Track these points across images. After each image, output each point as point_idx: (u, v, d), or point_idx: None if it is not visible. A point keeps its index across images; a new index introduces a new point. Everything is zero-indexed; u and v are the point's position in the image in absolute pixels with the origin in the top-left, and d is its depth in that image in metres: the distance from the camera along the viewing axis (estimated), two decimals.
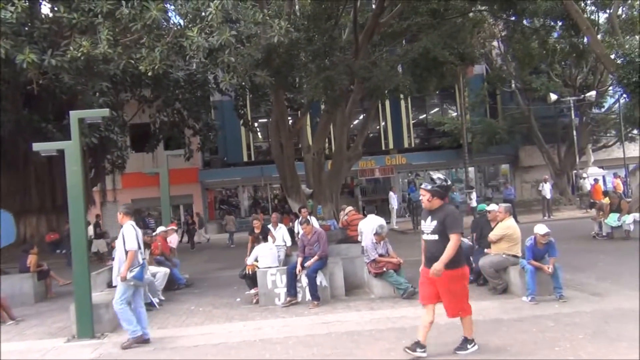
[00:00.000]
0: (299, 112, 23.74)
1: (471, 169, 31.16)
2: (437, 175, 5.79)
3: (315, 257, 9.42)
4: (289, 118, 23.67)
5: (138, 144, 27.77)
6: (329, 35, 16.38)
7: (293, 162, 20.68)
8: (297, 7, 20.44)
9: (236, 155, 32.05)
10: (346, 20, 20.67)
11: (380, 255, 9.55)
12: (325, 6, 17.29)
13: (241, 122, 26.55)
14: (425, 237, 5.90)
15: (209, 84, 23.48)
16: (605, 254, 12.98)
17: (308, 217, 11.58)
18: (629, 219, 15.13)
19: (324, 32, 16.24)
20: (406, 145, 32.08)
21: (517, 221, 21.70)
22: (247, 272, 10.15)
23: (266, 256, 10.02)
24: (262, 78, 12.11)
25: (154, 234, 12.04)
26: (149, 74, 11.28)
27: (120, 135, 20.85)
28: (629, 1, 24.13)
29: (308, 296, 9.35)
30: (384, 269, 9.40)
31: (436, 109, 34.19)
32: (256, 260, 10.13)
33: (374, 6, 20.68)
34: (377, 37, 20.14)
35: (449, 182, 5.85)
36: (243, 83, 15.88)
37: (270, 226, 11.78)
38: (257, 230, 11.32)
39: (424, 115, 33.98)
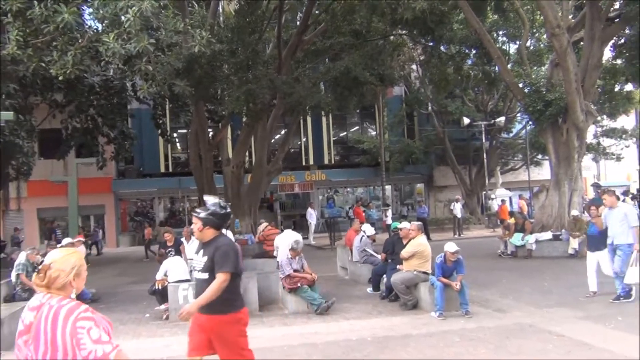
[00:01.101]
0: (220, 124, 23.46)
1: (388, 187, 31.92)
2: (213, 200, 4.68)
3: None
4: (209, 130, 23.35)
5: (47, 150, 26.35)
6: (252, 49, 16.36)
7: (212, 174, 20.36)
8: (221, 18, 20.33)
9: (153, 165, 31.10)
10: (270, 35, 20.77)
11: (295, 271, 9.55)
12: (250, 20, 17.28)
13: (159, 131, 25.85)
14: (196, 274, 4.73)
15: (127, 91, 22.72)
16: (509, 271, 13.66)
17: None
18: (531, 238, 16.02)
19: (247, 45, 16.19)
20: (326, 161, 32.44)
21: (429, 239, 22.36)
22: (156, 287, 9.83)
23: (176, 270, 9.74)
24: (181, 88, 11.87)
25: (59, 245, 11.43)
26: (60, 78, 10.76)
27: (28, 140, 19.69)
28: (537, 34, 25.81)
29: None
30: (299, 285, 9.40)
31: (356, 127, 34.87)
32: (166, 274, 9.82)
33: (298, 23, 20.94)
34: (301, 54, 20.37)
35: (227, 210, 4.72)
36: (162, 92, 15.44)
37: (183, 239, 11.51)
38: (169, 243, 11.02)
39: (345, 133, 34.54)
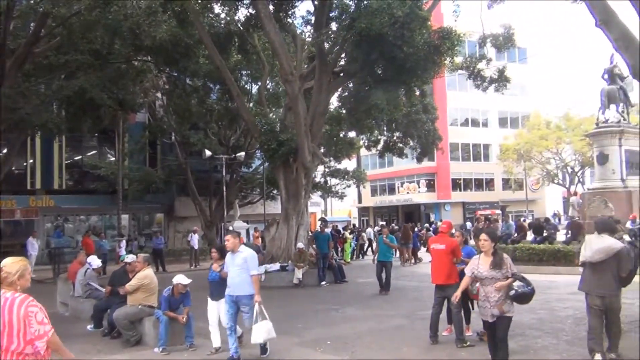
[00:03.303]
0: None
1: (126, 216, 30.53)
2: None
3: None
4: None
5: None
6: None
7: None
8: None
9: None
10: None
11: None
12: None
13: None
14: None
15: None
16: None
17: None
18: (261, 269, 16.79)
19: None
20: (56, 186, 29.62)
21: (164, 270, 21.99)
22: None
23: None
24: None
25: None
26: None
27: None
28: (277, 78, 27.70)
29: None
30: None
31: (94, 152, 32.70)
32: None
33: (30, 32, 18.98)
34: (31, 67, 18.46)
35: None
36: None
37: None
38: None
39: (80, 157, 32.11)
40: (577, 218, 21.83)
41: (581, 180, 47.76)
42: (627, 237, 12.24)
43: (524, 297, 6.04)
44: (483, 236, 6.26)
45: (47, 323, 3.84)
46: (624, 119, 23.30)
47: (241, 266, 7.65)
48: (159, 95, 29.44)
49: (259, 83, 25.23)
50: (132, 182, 29.20)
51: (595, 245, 7.08)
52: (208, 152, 27.13)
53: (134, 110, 24.07)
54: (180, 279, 8.70)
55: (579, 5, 10.36)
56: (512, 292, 5.98)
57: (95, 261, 11.66)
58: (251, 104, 27.70)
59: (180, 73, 21.50)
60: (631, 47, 8.96)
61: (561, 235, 19.50)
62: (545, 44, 77.34)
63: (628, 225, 17.31)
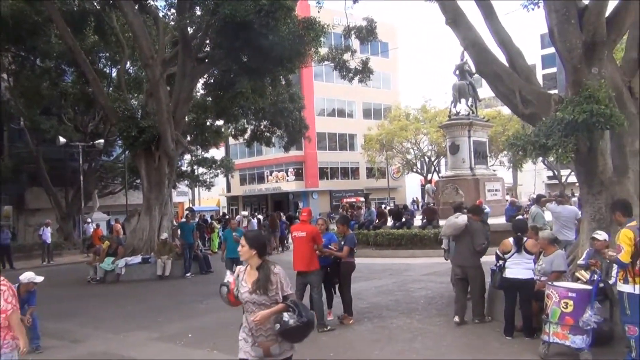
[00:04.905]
0: None
1: None
2: None
3: None
4: None
5: None
6: None
7: None
8: None
9: None
10: None
11: None
12: None
13: None
14: None
15: None
16: (96, 298, 13.28)
17: None
18: (121, 262, 16.06)
19: None
20: None
21: (12, 267, 20.33)
22: None
23: None
24: None
25: None
26: None
27: None
28: (138, 62, 26.32)
29: None
30: None
31: None
32: None
33: None
34: None
35: None
36: None
37: None
38: None
39: None
40: (431, 204, 23.37)
41: (437, 169, 51.16)
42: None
43: (294, 333, 4.05)
44: (242, 241, 4.20)
45: (14, 303, 4.33)
46: (473, 112, 25.31)
47: None
48: (4, 76, 26.76)
49: (119, 67, 23.84)
50: None
51: (447, 222, 8.80)
52: (62, 139, 25.29)
53: None
54: (30, 277, 7.98)
55: (433, 4, 10.95)
56: (277, 327, 3.99)
57: None
58: (110, 89, 26.16)
59: (29, 53, 19.67)
60: (476, 46, 9.65)
61: (418, 221, 20.73)
62: (406, 39, 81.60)
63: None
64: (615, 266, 6.12)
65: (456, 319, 8.35)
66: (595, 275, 6.40)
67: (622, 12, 8.03)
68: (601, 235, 6.81)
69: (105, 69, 27.08)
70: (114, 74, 27.57)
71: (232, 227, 13.67)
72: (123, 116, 17.43)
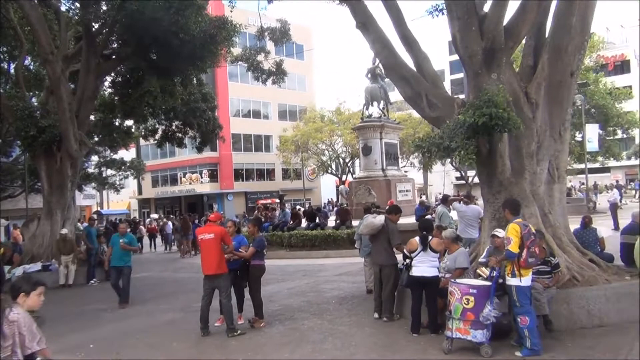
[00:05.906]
0: None
1: None
2: None
3: None
4: None
5: None
6: None
7: None
8: None
9: None
10: None
11: None
12: None
13: None
14: None
15: None
16: None
17: None
18: (19, 271, 15.02)
19: None
20: None
21: None
22: None
23: None
24: None
25: None
26: None
27: None
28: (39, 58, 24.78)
29: None
30: None
31: None
32: None
33: None
34: None
35: None
36: None
37: None
38: None
39: None
40: (345, 205, 23.68)
41: (351, 170, 51.98)
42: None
43: None
44: None
45: None
46: (385, 115, 25.91)
47: None
48: None
49: (17, 62, 22.30)
50: None
51: (365, 222, 9.16)
52: None
53: None
54: None
55: (344, 7, 11.05)
56: None
57: None
58: (8, 86, 24.46)
59: None
60: (385, 50, 9.85)
61: (332, 222, 20.93)
62: (321, 41, 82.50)
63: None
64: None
65: (375, 315, 8.68)
66: (494, 272, 6.67)
67: (519, 21, 8.46)
68: (501, 233, 7.12)
69: (2, 64, 25.28)
70: (11, 70, 25.82)
71: (121, 232, 12.18)
72: (21, 115, 16.31)
